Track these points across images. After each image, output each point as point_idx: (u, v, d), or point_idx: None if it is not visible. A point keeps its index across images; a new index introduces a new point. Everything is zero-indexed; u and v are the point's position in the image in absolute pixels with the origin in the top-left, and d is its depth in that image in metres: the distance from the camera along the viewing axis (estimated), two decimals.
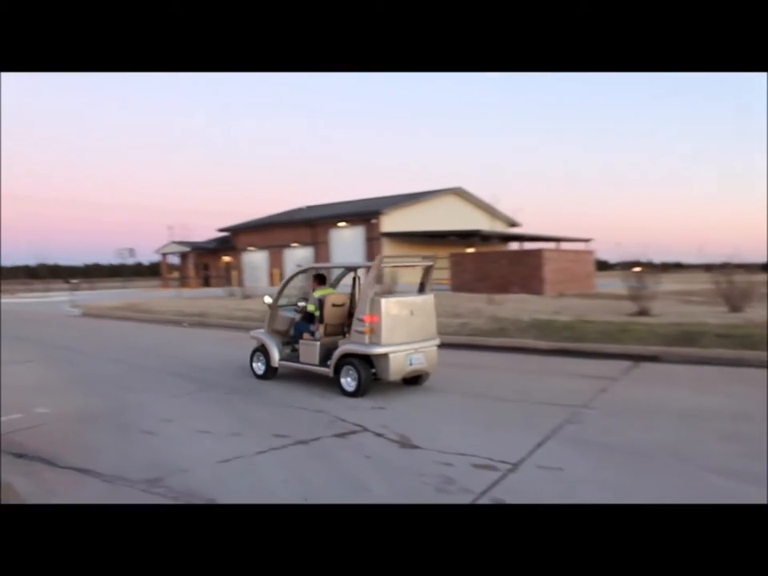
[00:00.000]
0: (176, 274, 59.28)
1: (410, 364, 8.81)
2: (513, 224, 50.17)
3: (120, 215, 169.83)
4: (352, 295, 9.86)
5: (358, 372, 8.67)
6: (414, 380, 9.44)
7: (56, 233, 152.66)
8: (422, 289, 9.63)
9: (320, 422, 7.30)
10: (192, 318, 20.98)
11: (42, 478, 5.59)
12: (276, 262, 49.84)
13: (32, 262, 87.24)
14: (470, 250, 36.39)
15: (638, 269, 19.19)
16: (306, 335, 9.76)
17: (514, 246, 44.88)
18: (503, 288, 26.68)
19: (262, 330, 10.61)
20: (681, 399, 8.13)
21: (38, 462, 6.05)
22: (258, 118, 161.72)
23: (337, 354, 9.00)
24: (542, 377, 9.95)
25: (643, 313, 16.84)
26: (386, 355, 8.55)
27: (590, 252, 35.44)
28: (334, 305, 9.61)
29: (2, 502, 4.92)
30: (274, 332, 10.42)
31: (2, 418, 7.74)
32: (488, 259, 29.98)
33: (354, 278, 10.14)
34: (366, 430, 6.94)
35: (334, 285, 11.05)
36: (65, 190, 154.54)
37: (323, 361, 9.35)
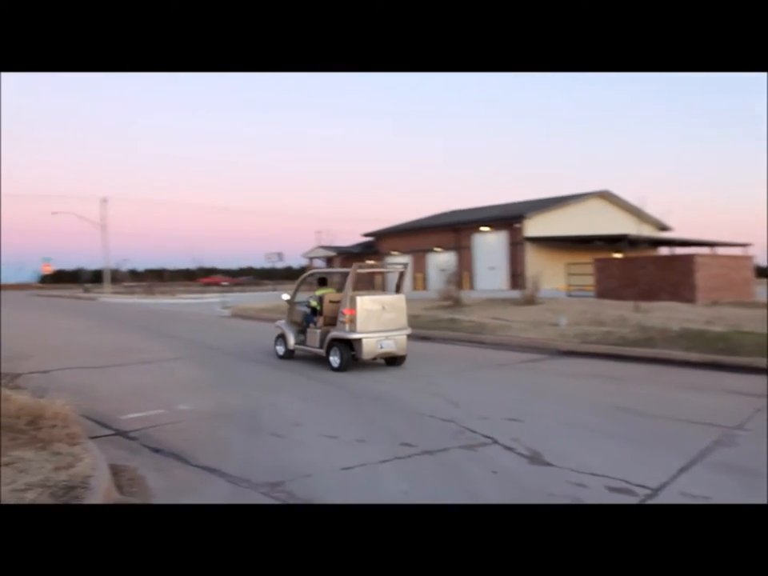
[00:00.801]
0: None
1: (381, 347, 11.50)
2: (663, 228, 47.75)
3: (272, 221, 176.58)
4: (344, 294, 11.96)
5: (341, 352, 11.42)
6: (391, 361, 12.07)
7: (214, 239, 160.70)
8: (397, 290, 12.76)
9: (448, 432, 7.10)
10: None
11: (173, 475, 5.74)
12: (419, 267, 50.02)
13: (192, 265, 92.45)
14: (617, 255, 34.97)
15: None
16: (311, 325, 12.61)
17: (663, 250, 42.80)
18: (651, 295, 25.40)
19: (283, 321, 13.59)
20: None
21: (172, 459, 6.24)
22: (400, 126, 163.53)
23: (327, 338, 11.82)
24: (690, 392, 9.26)
25: None
26: (360, 340, 11.29)
27: (748, 257, 33.13)
28: (330, 301, 12.39)
29: (133, 497, 5.08)
30: (292, 322, 13.34)
31: (146, 413, 8.09)
32: (635, 265, 28.63)
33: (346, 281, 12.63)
34: (495, 442, 6.67)
35: (339, 286, 13.45)
36: (220, 198, 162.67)
37: (321, 344, 12.03)
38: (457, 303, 23.47)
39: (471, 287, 41.63)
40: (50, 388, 9.47)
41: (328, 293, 12.70)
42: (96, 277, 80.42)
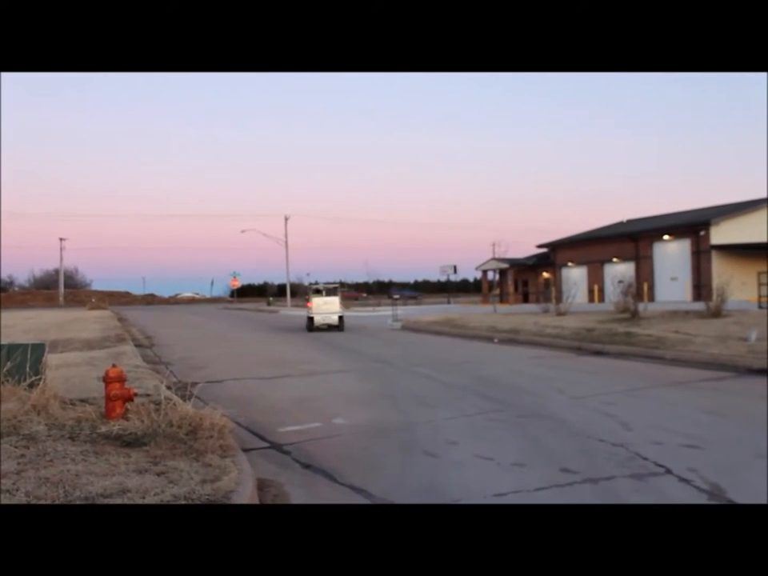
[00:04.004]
0: (497, 290, 60.27)
1: (323, 320, 26.36)
2: None
3: (449, 233, 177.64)
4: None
5: (308, 323, 26.65)
6: (334, 328, 26.17)
7: (390, 251, 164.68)
8: (335, 295, 27.62)
9: (617, 458, 6.50)
10: (503, 334, 20.89)
11: (318, 492, 5.63)
12: (596, 278, 48.22)
13: (368, 279, 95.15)
14: None
15: None
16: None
17: None
18: None
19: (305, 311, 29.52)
20: None
21: (320, 475, 6.13)
22: (579, 134, 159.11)
23: (307, 317, 26.96)
24: None
25: None
26: (313, 317, 26.49)
27: None
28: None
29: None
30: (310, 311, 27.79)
31: (303, 426, 8.13)
32: None
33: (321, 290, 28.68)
34: (669, 472, 5.98)
35: (323, 293, 28.04)
36: (396, 211, 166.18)
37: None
38: (634, 315, 22.22)
39: (651, 299, 39.51)
40: (219, 397, 9.81)
41: (315, 296, 27.04)
42: (281, 290, 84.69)
